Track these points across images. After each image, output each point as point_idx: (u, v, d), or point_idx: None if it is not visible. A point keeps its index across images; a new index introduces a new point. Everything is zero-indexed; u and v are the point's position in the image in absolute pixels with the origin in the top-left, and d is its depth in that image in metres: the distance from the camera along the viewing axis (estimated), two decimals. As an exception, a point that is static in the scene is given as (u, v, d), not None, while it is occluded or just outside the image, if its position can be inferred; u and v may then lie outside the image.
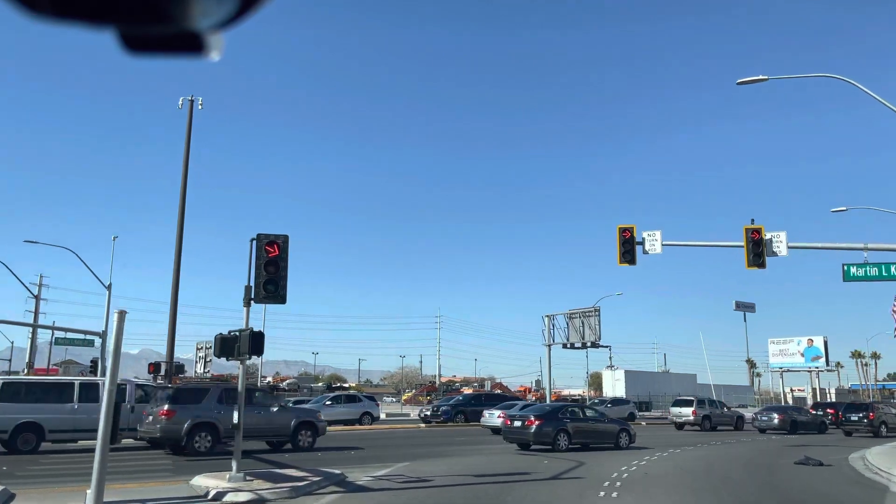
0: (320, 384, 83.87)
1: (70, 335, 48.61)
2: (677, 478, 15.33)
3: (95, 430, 25.03)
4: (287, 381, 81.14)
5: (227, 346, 13.24)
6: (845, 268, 20.99)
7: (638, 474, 15.67)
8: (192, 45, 1.13)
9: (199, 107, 48.66)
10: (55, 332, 50.95)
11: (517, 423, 23.74)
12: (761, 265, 21.37)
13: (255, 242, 13.63)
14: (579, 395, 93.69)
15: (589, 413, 25.47)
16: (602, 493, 12.71)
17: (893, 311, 78.31)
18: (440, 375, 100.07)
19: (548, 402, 38.31)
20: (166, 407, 18.97)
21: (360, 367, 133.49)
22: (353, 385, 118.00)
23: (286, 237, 13.65)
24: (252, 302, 13.61)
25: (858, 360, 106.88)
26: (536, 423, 22.97)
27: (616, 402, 49.13)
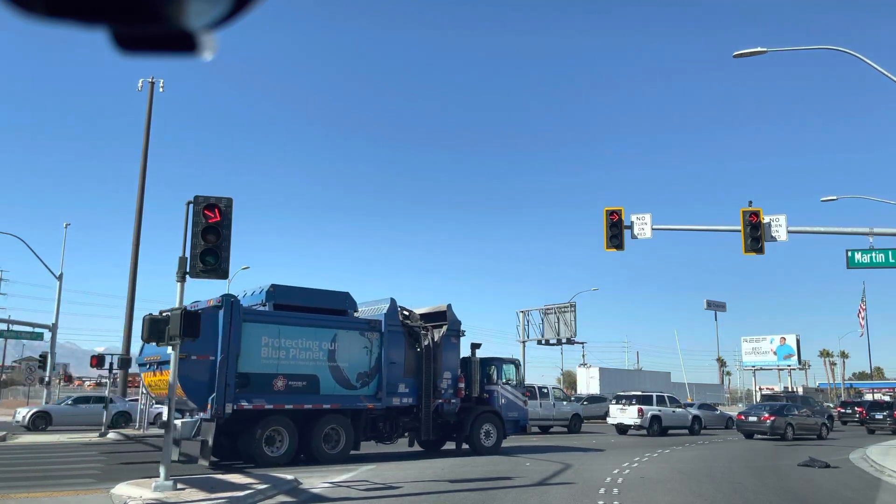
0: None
1: (16, 328, 45.58)
2: (682, 483, 13.54)
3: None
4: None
5: (155, 328, 11.04)
6: (849, 254, 19.47)
7: (634, 477, 13.87)
8: (185, 44, 1.14)
9: (161, 89, 45.98)
10: (-1, 324, 47.62)
11: (752, 418, 28.37)
12: (759, 251, 19.76)
13: (191, 206, 11.47)
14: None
15: (802, 410, 29.89)
16: (602, 490, 10.85)
17: (860, 313, 78.41)
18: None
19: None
20: None
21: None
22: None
23: (230, 200, 11.50)
24: (188, 277, 11.45)
25: (826, 358, 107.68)
26: (771, 418, 27.60)
27: (593, 399, 47.74)
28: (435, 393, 19.05)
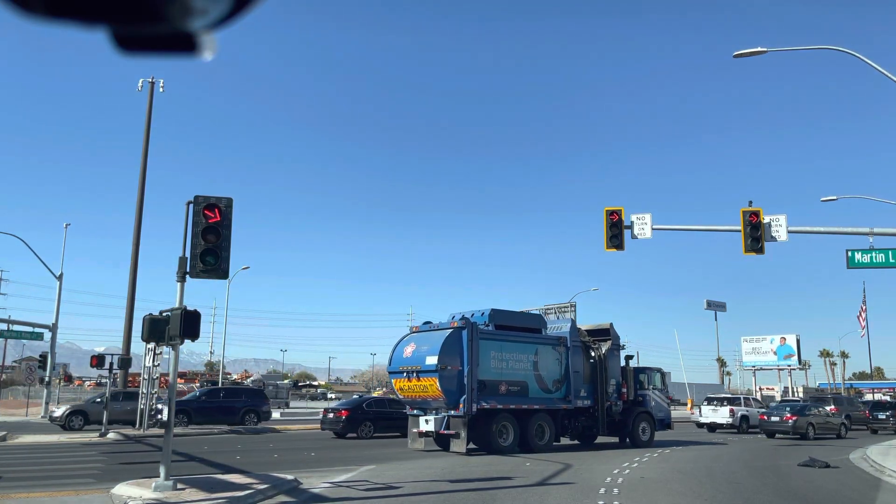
0: (287, 381, 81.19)
1: (16, 328, 45.53)
2: (682, 484, 13.54)
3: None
4: (251, 379, 78.18)
5: (155, 328, 11.03)
6: (849, 254, 19.43)
7: (634, 477, 13.87)
8: (185, 44, 1.14)
9: (161, 90, 45.84)
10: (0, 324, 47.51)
11: (775, 418, 29.00)
12: (759, 251, 19.73)
13: (191, 206, 11.47)
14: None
15: (821, 410, 30.90)
16: (603, 490, 10.85)
17: (860, 313, 78.27)
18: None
19: None
20: None
21: (331, 365, 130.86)
22: (323, 383, 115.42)
23: (230, 200, 11.50)
24: (188, 277, 11.45)
25: (826, 358, 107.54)
26: (793, 418, 28.32)
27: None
28: (605, 397, 22.97)
